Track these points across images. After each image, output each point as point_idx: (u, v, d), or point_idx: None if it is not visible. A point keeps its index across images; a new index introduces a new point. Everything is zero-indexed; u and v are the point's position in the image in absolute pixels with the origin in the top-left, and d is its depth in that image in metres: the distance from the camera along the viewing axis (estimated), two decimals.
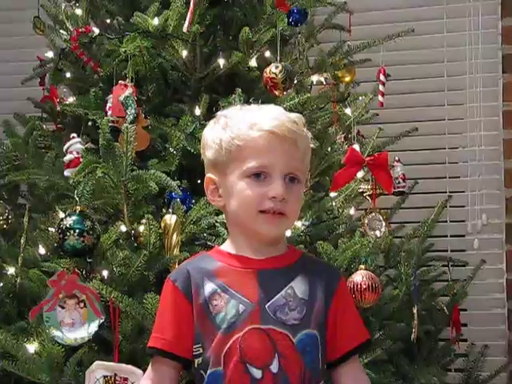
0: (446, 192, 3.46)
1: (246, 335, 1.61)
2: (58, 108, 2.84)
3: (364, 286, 2.32)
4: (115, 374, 2.14)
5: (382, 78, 3.01)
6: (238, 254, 1.68)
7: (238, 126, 1.65)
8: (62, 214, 2.38)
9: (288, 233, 2.11)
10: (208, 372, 1.62)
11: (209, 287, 1.65)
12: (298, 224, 2.41)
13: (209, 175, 1.71)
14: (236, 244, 1.70)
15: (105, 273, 2.28)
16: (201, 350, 1.64)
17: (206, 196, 1.73)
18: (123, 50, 2.59)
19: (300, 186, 1.68)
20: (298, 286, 1.65)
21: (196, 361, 1.64)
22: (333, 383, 1.72)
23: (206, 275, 1.66)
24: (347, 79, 3.12)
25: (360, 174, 2.60)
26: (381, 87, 3.01)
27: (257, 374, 1.60)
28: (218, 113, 1.73)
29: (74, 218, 2.27)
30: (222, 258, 1.69)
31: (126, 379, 2.12)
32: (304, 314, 1.64)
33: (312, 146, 1.74)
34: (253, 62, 2.71)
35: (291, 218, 1.67)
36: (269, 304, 1.62)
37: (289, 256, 1.70)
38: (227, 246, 1.73)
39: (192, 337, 1.65)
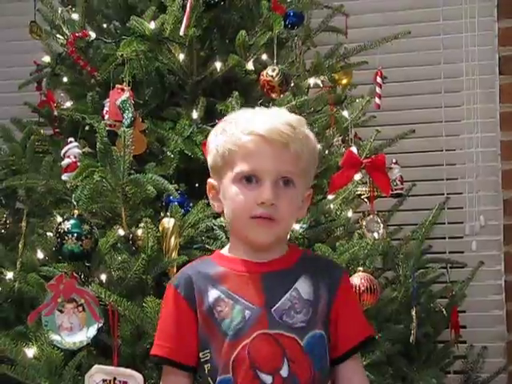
0: (443, 194, 3.46)
1: (255, 341, 1.60)
2: (55, 112, 2.85)
3: (362, 288, 2.32)
4: (114, 378, 2.13)
5: (378, 80, 3.01)
6: (239, 257, 1.68)
7: (232, 131, 1.65)
8: (59, 219, 2.37)
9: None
10: (217, 379, 1.61)
11: (213, 293, 1.64)
12: (296, 227, 2.41)
13: (210, 180, 1.72)
14: (237, 248, 1.69)
15: (103, 277, 2.28)
16: (209, 356, 1.63)
17: (209, 201, 1.74)
18: (120, 54, 2.60)
19: (295, 190, 1.65)
20: (302, 287, 1.65)
21: (206, 367, 1.64)
22: (332, 380, 1.71)
23: (209, 281, 1.65)
24: (344, 82, 3.12)
25: (357, 177, 2.60)
26: (378, 89, 3.00)
27: (267, 379, 1.59)
28: (223, 119, 1.74)
29: (71, 222, 2.27)
30: (225, 262, 1.69)
31: (125, 383, 2.12)
32: (310, 315, 1.63)
33: (315, 146, 1.72)
34: (250, 66, 2.71)
35: (282, 223, 1.64)
36: (275, 308, 1.62)
37: (290, 256, 1.70)
38: (228, 250, 1.72)
39: (196, 343, 1.64)
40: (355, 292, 2.30)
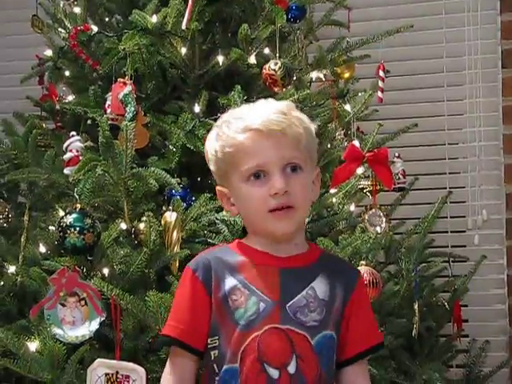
0: (446, 188, 3.46)
1: (265, 334, 1.59)
2: (58, 106, 2.85)
3: (365, 282, 2.32)
4: (117, 372, 2.13)
5: (381, 73, 3.01)
6: (259, 249, 1.67)
7: (226, 134, 1.64)
8: (62, 212, 2.38)
9: None
10: (224, 367, 1.61)
11: (230, 281, 1.63)
12: None
13: (218, 187, 1.71)
14: (257, 240, 1.68)
15: (105, 271, 2.29)
16: (217, 343, 1.63)
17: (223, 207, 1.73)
18: (122, 47, 2.59)
19: (304, 174, 1.65)
20: (319, 287, 1.64)
21: (212, 353, 1.63)
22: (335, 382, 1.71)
23: (228, 268, 1.64)
24: (346, 75, 3.12)
25: (360, 170, 2.60)
26: (380, 83, 3.00)
27: (274, 373, 1.59)
28: (216, 123, 1.72)
29: (74, 216, 2.27)
30: (244, 252, 1.67)
31: (127, 377, 2.12)
32: (324, 315, 1.63)
33: (310, 126, 1.70)
34: (252, 59, 2.70)
35: (300, 208, 1.64)
36: (289, 304, 1.61)
37: (310, 254, 1.69)
38: (248, 240, 1.70)
39: (207, 329, 1.63)
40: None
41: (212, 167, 1.70)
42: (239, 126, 1.63)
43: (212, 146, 1.68)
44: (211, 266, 1.65)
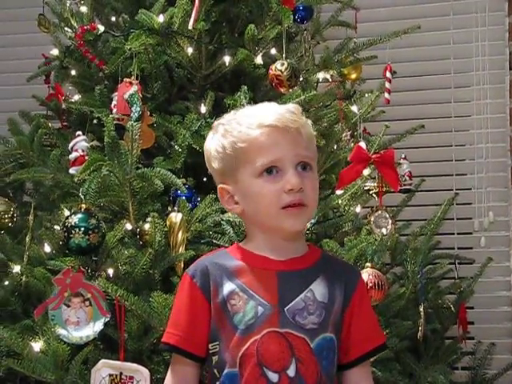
0: (452, 189, 3.46)
1: (264, 338, 1.59)
2: (63, 106, 2.85)
3: (370, 284, 2.31)
4: (121, 373, 2.13)
5: (388, 75, 3.00)
6: (257, 253, 1.66)
7: (238, 129, 1.63)
8: (67, 212, 2.37)
9: None
10: (224, 372, 1.61)
11: (228, 286, 1.63)
12: None
13: (220, 186, 1.69)
14: (256, 243, 1.67)
15: (110, 271, 2.28)
16: (217, 348, 1.62)
17: (223, 206, 1.71)
18: (128, 47, 2.59)
19: (313, 174, 1.65)
20: (318, 289, 1.63)
21: (213, 358, 1.63)
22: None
23: (226, 273, 1.64)
24: (353, 76, 3.11)
25: (366, 172, 2.59)
26: (387, 84, 3.00)
27: (273, 377, 1.58)
28: (214, 123, 1.72)
29: (79, 216, 2.26)
30: (242, 256, 1.67)
31: (131, 378, 2.12)
32: (323, 318, 1.62)
33: (315, 133, 1.71)
34: (258, 60, 2.70)
35: (311, 207, 1.64)
36: (288, 307, 1.61)
37: (309, 257, 1.68)
38: (246, 244, 1.70)
39: (207, 334, 1.63)
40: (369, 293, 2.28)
41: (215, 165, 1.68)
42: (253, 122, 1.62)
43: (218, 143, 1.66)
44: (209, 271, 1.65)
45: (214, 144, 1.68)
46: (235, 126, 1.64)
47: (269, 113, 1.64)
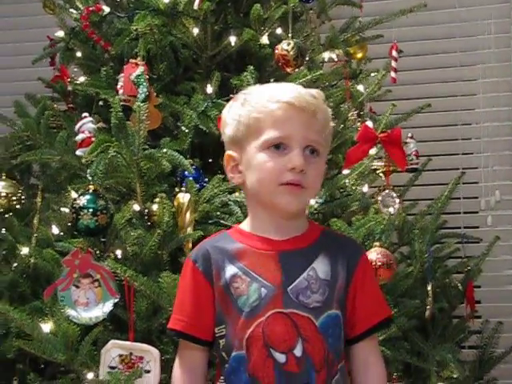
0: (459, 168, 3.44)
1: (269, 320, 1.60)
2: (69, 88, 2.84)
3: (378, 264, 2.32)
4: (130, 353, 2.14)
5: (394, 54, 2.99)
6: (258, 234, 1.67)
7: (257, 100, 1.65)
8: (74, 194, 2.37)
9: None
10: (232, 355, 1.62)
11: (230, 269, 1.63)
12: (312, 202, 2.40)
13: (228, 152, 1.70)
14: (256, 223, 1.68)
15: (118, 252, 2.29)
16: (224, 332, 1.64)
17: (226, 174, 1.72)
18: (134, 28, 2.59)
19: (320, 160, 1.66)
20: (320, 267, 1.64)
21: (221, 342, 1.64)
22: (347, 359, 1.71)
23: (227, 257, 1.65)
24: (359, 56, 3.10)
25: (373, 151, 2.59)
26: (393, 63, 2.98)
27: (280, 358, 1.59)
28: (239, 93, 1.73)
29: (87, 197, 2.27)
30: (243, 238, 1.68)
31: (141, 358, 2.12)
32: (326, 295, 1.62)
33: (332, 123, 1.72)
34: (264, 40, 2.69)
35: (311, 190, 1.65)
36: (291, 287, 1.61)
37: (310, 234, 1.69)
38: (247, 226, 1.71)
39: (213, 318, 1.65)
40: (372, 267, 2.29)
41: (229, 131, 1.69)
42: (272, 96, 1.63)
43: (235, 111, 1.68)
44: (210, 255, 1.66)
45: (232, 111, 1.69)
46: (255, 97, 1.66)
47: (290, 91, 1.65)
